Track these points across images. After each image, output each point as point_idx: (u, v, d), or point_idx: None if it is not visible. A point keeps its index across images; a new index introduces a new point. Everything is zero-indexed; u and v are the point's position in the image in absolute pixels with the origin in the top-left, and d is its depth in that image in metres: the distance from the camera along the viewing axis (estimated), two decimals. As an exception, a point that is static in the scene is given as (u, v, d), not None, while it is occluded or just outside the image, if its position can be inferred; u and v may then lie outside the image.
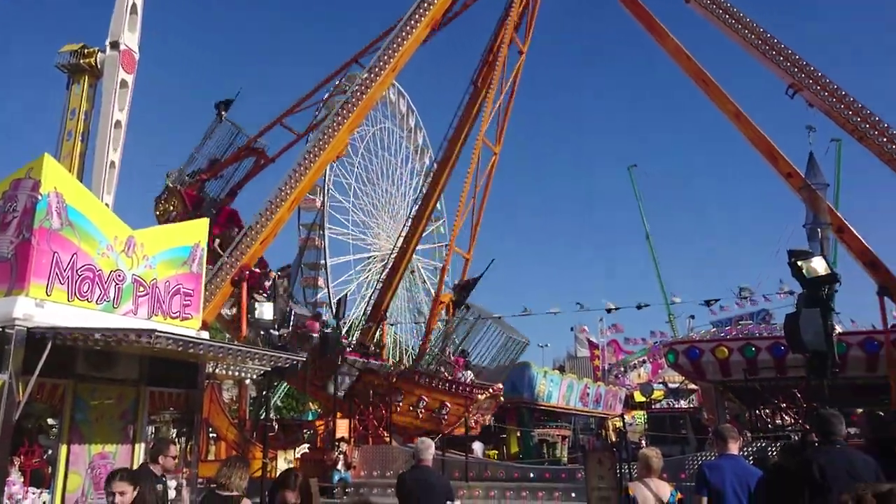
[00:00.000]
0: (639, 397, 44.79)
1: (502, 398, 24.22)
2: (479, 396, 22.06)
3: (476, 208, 25.76)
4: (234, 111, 25.48)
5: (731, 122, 20.46)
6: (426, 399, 21.41)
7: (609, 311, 25.40)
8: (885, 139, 14.79)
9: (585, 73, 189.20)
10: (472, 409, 21.76)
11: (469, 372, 23.19)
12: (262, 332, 16.63)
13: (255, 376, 12.57)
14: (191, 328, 10.03)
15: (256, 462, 16.26)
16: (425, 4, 21.77)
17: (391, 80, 26.10)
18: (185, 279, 10.17)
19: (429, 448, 6.87)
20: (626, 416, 36.42)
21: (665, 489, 6.66)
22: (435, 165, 30.47)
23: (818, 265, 10.75)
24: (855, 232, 18.13)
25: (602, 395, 35.76)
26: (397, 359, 74.90)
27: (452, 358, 23.28)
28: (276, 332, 18.20)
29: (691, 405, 42.30)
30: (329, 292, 64.88)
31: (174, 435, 10.20)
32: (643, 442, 27.55)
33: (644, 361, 49.93)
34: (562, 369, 54.61)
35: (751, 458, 11.74)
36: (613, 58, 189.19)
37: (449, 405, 21.51)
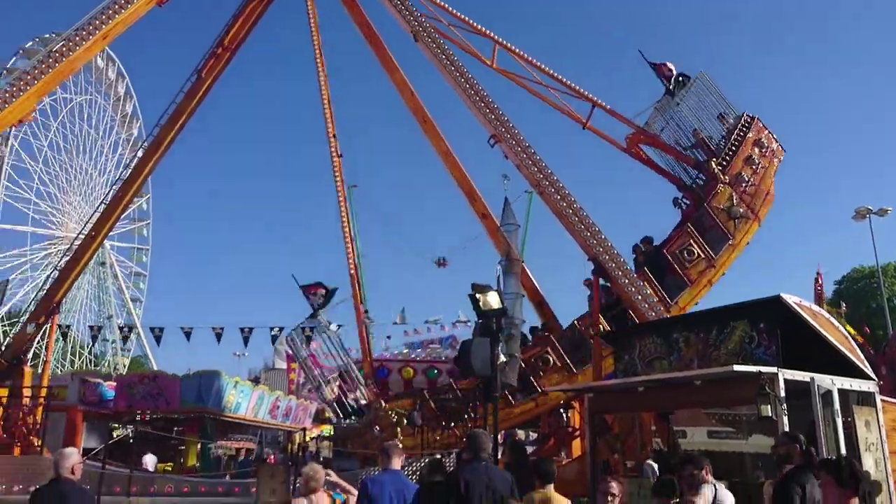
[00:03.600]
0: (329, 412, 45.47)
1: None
2: None
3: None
4: None
5: (440, 160, 22.14)
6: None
7: (309, 338, 25.34)
8: (558, 196, 17.15)
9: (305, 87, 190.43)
10: None
11: None
12: None
13: None
14: None
15: None
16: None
17: (101, 48, 23.50)
18: None
19: (69, 457, 5.98)
20: (313, 430, 36.70)
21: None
22: (142, 151, 27.97)
23: (493, 299, 11.95)
24: (530, 274, 20.63)
25: (293, 409, 35.54)
26: (72, 357, 66.79)
27: None
28: None
29: (378, 422, 44.08)
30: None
31: None
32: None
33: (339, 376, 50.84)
34: (256, 381, 53.32)
35: (419, 472, 12.54)
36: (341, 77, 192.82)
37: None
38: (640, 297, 15.50)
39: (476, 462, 6.93)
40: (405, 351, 38.48)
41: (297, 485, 7.59)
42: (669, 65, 19.71)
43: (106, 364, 70.14)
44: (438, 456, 11.22)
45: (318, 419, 41.73)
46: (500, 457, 10.22)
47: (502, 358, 13.10)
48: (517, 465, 9.00)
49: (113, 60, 61.94)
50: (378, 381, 21.88)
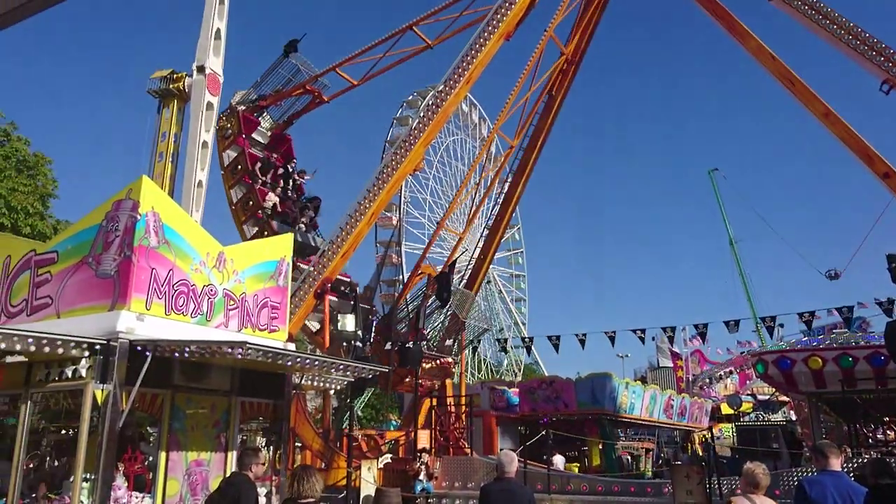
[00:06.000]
0: (726, 409, 43.20)
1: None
2: (425, 365, 21.52)
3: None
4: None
5: (820, 122, 19.59)
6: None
7: (702, 334, 24.45)
8: None
9: (657, 77, 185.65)
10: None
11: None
12: (344, 344, 16.93)
13: (338, 387, 12.84)
14: (278, 340, 10.37)
15: (341, 471, 16.58)
16: (498, 17, 21.85)
17: (465, 93, 26.22)
18: (272, 293, 10.53)
19: (513, 461, 6.87)
20: (713, 429, 35.20)
21: (771, 507, 6.33)
22: (510, 176, 30.42)
23: (922, 270, 10.11)
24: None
25: (687, 407, 34.57)
26: (479, 371, 75.07)
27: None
28: (360, 345, 18.45)
29: (786, 418, 40.39)
30: (408, 308, 65.80)
31: (262, 444, 10.53)
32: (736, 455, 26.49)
33: (731, 372, 48.06)
34: (643, 380, 53.26)
35: (850, 475, 11.09)
36: (689, 60, 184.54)
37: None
38: None
39: (941, 463, 5.88)
40: (803, 338, 34.68)
41: (724, 484, 7.25)
42: None
43: (504, 372, 77.18)
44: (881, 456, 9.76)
45: (715, 417, 39.93)
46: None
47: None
48: None
49: (475, 105, 68.86)
50: (781, 373, 20.09)
